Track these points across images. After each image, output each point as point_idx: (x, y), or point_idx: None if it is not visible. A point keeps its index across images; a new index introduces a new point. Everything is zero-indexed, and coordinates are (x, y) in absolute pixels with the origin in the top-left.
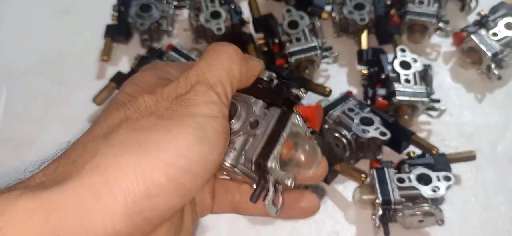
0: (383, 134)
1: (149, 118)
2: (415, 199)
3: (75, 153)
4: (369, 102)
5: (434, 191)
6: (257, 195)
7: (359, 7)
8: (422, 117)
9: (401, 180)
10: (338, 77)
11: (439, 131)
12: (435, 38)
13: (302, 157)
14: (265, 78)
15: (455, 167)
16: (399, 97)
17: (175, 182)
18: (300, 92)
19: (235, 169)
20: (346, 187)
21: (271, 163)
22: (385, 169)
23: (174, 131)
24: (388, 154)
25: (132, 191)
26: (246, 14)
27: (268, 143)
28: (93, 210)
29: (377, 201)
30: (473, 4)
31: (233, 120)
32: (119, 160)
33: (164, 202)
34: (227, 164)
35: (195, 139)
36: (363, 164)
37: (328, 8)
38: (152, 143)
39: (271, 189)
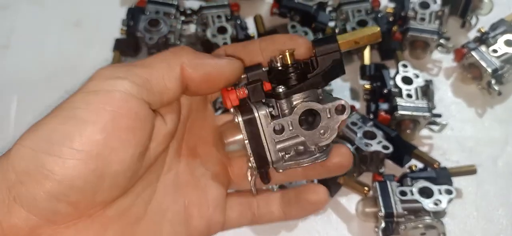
0: (385, 147)
1: None
2: (417, 212)
3: None
4: (371, 116)
5: (436, 204)
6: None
7: (362, 23)
8: (424, 132)
9: (403, 193)
10: (341, 92)
11: (441, 145)
12: (437, 54)
13: None
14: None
15: (457, 181)
16: (401, 112)
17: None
18: None
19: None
20: (349, 200)
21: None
22: (388, 182)
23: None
24: (390, 167)
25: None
26: (252, 30)
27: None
28: None
29: (379, 213)
30: (473, 21)
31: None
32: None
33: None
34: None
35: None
36: (366, 177)
37: (331, 24)
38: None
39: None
